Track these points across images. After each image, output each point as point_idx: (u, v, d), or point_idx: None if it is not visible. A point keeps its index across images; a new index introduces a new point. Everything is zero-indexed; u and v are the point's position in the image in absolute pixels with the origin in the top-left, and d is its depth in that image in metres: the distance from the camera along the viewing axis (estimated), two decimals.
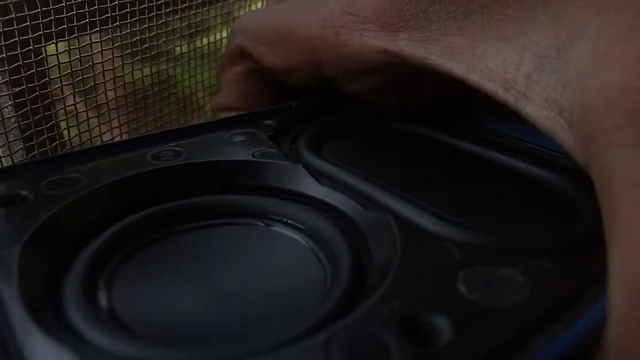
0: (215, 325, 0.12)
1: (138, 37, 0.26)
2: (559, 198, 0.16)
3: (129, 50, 0.25)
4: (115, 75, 0.25)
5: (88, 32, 0.22)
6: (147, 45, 0.26)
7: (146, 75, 0.27)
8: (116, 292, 0.13)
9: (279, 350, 0.10)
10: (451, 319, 0.11)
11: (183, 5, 0.27)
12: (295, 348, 0.10)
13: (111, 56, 0.24)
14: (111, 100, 0.25)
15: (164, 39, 0.27)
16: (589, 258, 0.13)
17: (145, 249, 0.15)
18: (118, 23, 0.23)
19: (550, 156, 0.18)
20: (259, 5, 0.34)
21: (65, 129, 0.22)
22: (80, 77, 0.23)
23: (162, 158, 0.18)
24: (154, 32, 0.26)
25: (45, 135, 0.22)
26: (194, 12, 0.28)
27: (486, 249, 0.13)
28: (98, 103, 0.25)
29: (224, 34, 0.32)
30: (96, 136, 0.25)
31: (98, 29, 0.22)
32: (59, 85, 0.22)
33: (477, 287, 0.12)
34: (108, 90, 0.25)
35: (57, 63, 0.22)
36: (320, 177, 0.17)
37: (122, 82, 0.26)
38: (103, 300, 0.13)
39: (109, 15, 0.23)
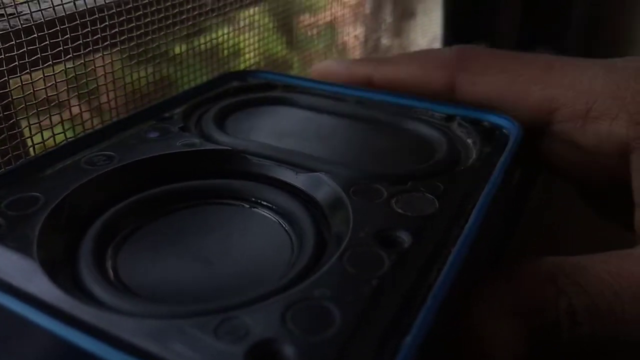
0: (199, 287, 0.16)
1: (135, 42, 0.27)
2: (423, 143, 0.23)
3: (127, 54, 0.27)
4: (114, 78, 0.27)
5: (81, 52, 0.24)
6: (144, 48, 0.28)
7: (143, 77, 0.29)
8: (121, 260, 0.16)
9: (250, 306, 0.14)
10: (405, 229, 0.16)
11: (181, 18, 0.29)
12: (265, 304, 0.14)
13: (110, 60, 0.26)
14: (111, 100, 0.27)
15: (161, 42, 0.29)
16: (458, 177, 0.19)
17: (144, 226, 0.18)
18: (117, 39, 0.25)
19: (412, 113, 0.25)
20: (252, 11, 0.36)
21: (31, 146, 0.23)
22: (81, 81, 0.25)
23: (98, 163, 0.19)
24: (150, 37, 0.28)
25: (10, 155, 0.22)
26: (192, 22, 0.30)
27: (399, 182, 0.19)
28: (88, 104, 0.26)
29: (220, 33, 0.34)
30: None
31: (91, 48, 0.24)
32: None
33: (406, 207, 0.17)
34: (104, 92, 0.27)
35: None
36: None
37: (122, 84, 0.27)
38: (110, 267, 0.16)
39: (100, 36, 0.25)
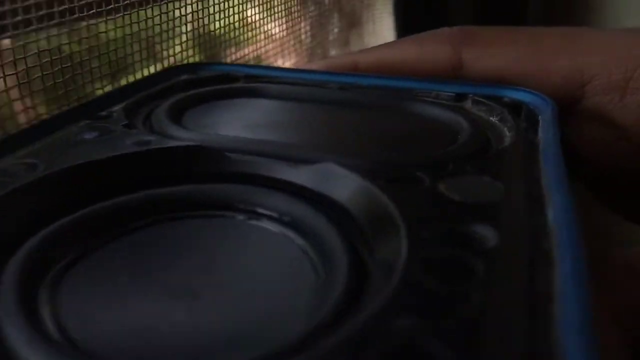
0: (181, 339, 0.10)
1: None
2: (436, 125, 0.19)
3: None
4: None
5: None
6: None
7: None
8: (61, 302, 0.11)
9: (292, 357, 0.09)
10: (478, 221, 0.12)
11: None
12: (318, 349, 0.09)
13: None
14: None
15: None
16: (507, 155, 0.16)
17: (96, 250, 0.13)
18: None
19: (412, 95, 0.21)
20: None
21: None
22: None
23: (16, 174, 0.14)
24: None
25: None
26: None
27: (436, 166, 0.14)
28: None
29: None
30: None
31: None
32: None
33: (464, 193, 0.13)
34: None
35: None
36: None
37: None
38: (46, 315, 0.11)
39: None
